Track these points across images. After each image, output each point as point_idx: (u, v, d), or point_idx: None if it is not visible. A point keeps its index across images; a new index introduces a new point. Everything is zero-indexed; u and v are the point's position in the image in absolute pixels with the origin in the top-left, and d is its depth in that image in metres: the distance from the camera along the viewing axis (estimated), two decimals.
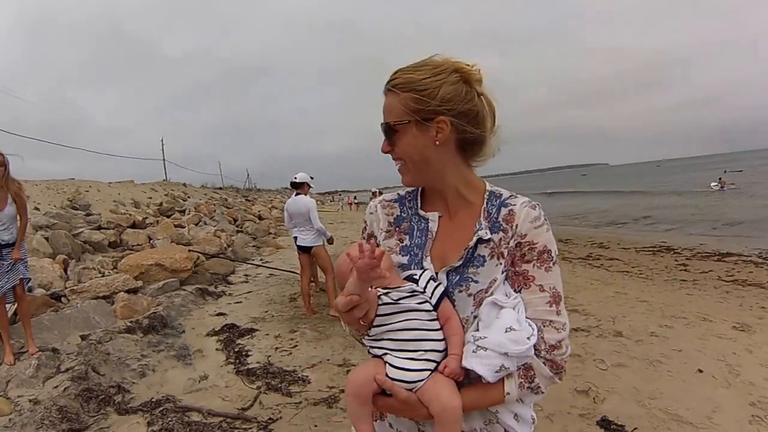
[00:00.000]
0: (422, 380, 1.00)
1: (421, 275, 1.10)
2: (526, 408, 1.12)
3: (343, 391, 3.69)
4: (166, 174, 36.91)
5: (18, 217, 4.03)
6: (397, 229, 1.23)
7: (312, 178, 6.08)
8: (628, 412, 3.19)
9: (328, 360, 4.38)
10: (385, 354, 1.04)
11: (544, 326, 1.05)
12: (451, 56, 1.14)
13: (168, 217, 11.70)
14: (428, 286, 1.07)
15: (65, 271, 5.87)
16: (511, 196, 1.15)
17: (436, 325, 1.05)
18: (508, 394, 1.03)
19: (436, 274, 1.12)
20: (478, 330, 1.05)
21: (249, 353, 4.51)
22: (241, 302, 6.65)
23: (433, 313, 1.05)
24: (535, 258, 1.08)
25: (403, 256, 1.18)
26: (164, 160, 38.59)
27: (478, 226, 1.12)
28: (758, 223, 14.49)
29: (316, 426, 3.13)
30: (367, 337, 1.09)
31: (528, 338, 1.01)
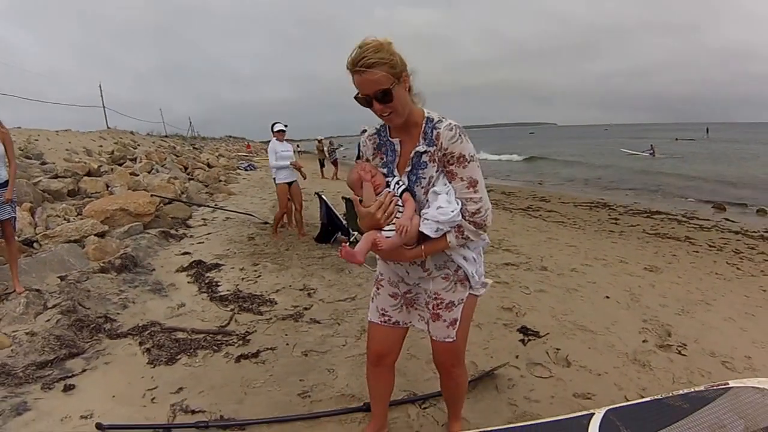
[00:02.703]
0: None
1: (392, 180, 1.72)
2: (470, 251, 1.75)
3: (307, 308, 4.09)
4: (107, 122, 34.50)
5: (6, 159, 3.97)
6: (379, 152, 1.81)
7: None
8: (543, 323, 3.71)
9: (290, 286, 4.73)
10: None
11: (465, 202, 1.63)
12: (371, 36, 1.61)
13: (120, 165, 11.32)
14: (395, 186, 1.70)
15: (33, 218, 5.80)
16: (439, 120, 1.65)
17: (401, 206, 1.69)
18: (450, 241, 1.65)
19: (401, 177, 1.73)
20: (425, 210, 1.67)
21: (218, 284, 4.77)
22: (203, 242, 6.78)
23: (400, 199, 1.68)
24: (455, 161, 1.62)
25: (383, 167, 1.78)
26: (104, 107, 35.85)
27: (418, 144, 1.68)
28: (688, 188, 15.20)
29: (286, 335, 3.51)
30: None
31: (452, 211, 1.60)
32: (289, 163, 6.69)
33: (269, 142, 6.81)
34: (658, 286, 4.82)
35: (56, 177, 7.96)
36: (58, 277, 4.43)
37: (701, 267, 5.81)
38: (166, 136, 36.41)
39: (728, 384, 2.19)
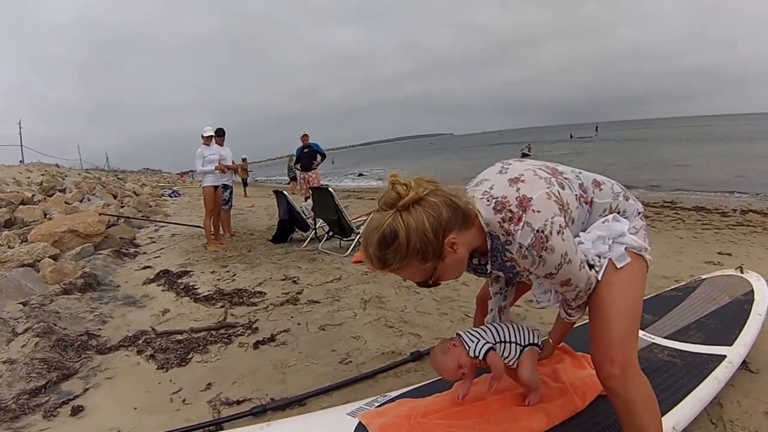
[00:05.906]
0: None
1: (472, 345, 1.38)
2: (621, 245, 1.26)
3: (299, 292, 3.69)
4: (23, 159, 30.01)
5: None
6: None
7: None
8: None
9: (270, 278, 4.28)
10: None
11: (560, 292, 1.26)
12: (390, 196, 1.07)
13: (50, 196, 9.70)
14: (476, 349, 1.36)
15: None
16: (506, 242, 1.13)
17: None
18: (568, 320, 1.40)
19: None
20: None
21: (196, 287, 4.16)
22: (159, 257, 5.96)
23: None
24: (543, 277, 1.18)
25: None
26: (22, 145, 31.15)
27: (489, 268, 1.26)
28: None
29: (292, 317, 3.13)
30: None
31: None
32: (213, 167, 6.08)
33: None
34: None
35: None
36: (19, 303, 3.59)
37: None
38: (88, 170, 32.49)
39: (702, 277, 2.58)
